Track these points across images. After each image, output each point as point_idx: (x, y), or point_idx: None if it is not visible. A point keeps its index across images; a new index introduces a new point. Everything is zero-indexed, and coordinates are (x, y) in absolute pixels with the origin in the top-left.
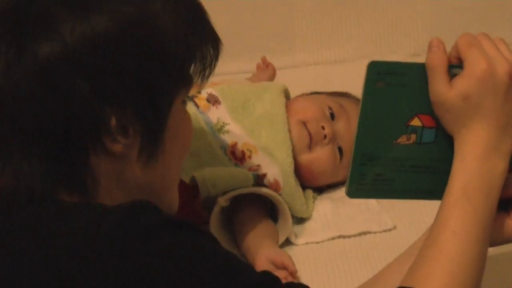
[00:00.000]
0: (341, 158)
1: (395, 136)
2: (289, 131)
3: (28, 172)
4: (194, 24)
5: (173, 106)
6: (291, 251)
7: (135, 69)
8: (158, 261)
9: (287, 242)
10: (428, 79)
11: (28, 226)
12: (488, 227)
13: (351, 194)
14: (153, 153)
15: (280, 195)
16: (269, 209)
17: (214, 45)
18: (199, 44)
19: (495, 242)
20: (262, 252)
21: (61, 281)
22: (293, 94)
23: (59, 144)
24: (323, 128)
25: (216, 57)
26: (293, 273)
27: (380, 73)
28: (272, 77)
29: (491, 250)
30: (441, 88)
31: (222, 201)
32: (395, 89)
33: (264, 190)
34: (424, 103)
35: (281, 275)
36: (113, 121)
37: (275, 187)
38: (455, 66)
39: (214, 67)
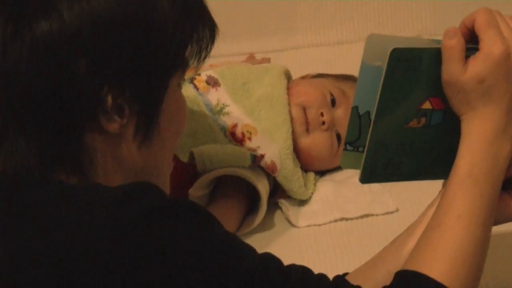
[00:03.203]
0: (339, 145)
1: (407, 121)
2: (289, 113)
3: (25, 149)
4: (191, 7)
5: (169, 88)
6: (292, 233)
7: (133, 49)
8: (161, 243)
9: (289, 225)
10: (442, 60)
11: (30, 208)
12: (492, 209)
13: (365, 180)
14: (148, 133)
15: (276, 177)
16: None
17: (210, 28)
18: (195, 27)
19: (495, 221)
20: None
21: (64, 263)
22: (294, 75)
23: (55, 121)
24: (322, 114)
25: (212, 40)
26: None
27: (400, 60)
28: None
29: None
30: (456, 69)
31: (193, 192)
32: (411, 74)
33: (237, 170)
34: (435, 86)
35: None
36: (110, 101)
37: (272, 168)
38: (468, 48)
39: (210, 50)
